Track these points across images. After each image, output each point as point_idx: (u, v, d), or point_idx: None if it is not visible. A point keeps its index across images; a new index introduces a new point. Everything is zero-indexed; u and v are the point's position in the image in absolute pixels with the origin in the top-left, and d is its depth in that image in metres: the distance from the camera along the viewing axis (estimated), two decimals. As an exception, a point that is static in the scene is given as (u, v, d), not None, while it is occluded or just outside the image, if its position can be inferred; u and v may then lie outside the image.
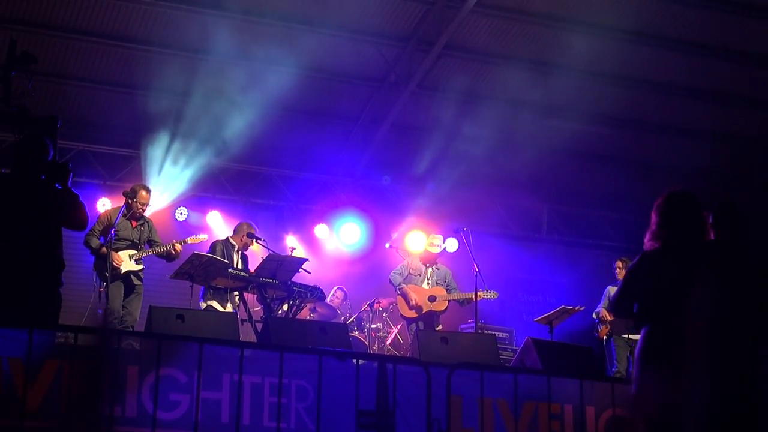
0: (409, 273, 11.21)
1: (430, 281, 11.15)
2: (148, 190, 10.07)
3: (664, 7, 12.35)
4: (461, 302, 11.09)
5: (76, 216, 6.47)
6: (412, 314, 10.97)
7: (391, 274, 11.34)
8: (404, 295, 11.02)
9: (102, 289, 9.35)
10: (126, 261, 9.58)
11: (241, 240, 10.42)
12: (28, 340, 5.23)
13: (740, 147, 14.88)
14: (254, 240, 10.46)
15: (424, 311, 10.91)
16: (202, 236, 10.54)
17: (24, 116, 6.96)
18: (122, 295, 9.52)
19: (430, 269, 11.24)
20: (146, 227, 9.97)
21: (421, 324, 10.87)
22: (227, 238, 10.51)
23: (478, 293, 10.63)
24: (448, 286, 11.14)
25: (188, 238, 10.29)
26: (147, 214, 10.20)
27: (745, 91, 13.88)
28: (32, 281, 6.15)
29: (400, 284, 11.12)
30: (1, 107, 6.93)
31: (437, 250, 11.30)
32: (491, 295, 10.87)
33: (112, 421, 5.49)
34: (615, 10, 12.30)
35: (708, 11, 12.44)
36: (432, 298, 10.94)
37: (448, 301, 10.99)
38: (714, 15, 12.51)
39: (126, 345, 6.40)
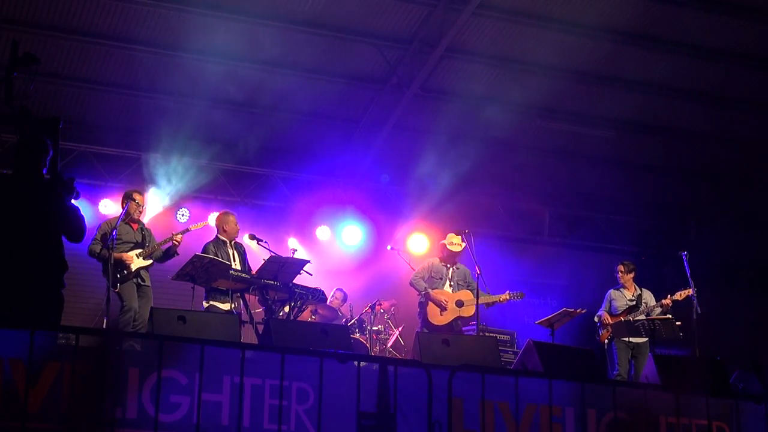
0: (431, 276, 10.63)
1: (452, 282, 10.60)
2: (141, 193, 10.40)
3: (667, 10, 12.36)
4: (486, 305, 10.55)
5: (74, 229, 6.48)
6: (442, 321, 10.37)
7: (413, 278, 10.66)
8: (433, 300, 10.42)
9: (116, 290, 9.47)
10: (135, 259, 9.75)
11: (225, 231, 10.39)
12: (30, 341, 5.24)
13: (742, 149, 14.87)
14: (256, 241, 10.45)
15: (453, 318, 10.41)
16: (203, 222, 10.83)
17: (26, 117, 6.96)
18: (137, 294, 9.67)
19: (450, 270, 10.68)
20: (146, 231, 10.15)
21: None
22: (216, 236, 10.44)
23: (504, 296, 10.51)
24: (468, 285, 10.56)
25: (191, 226, 10.49)
26: (146, 216, 10.35)
27: (746, 94, 13.89)
28: (34, 282, 6.15)
29: (426, 289, 10.49)
30: (4, 108, 6.93)
31: (459, 248, 10.63)
32: (518, 296, 10.61)
33: (113, 423, 5.48)
34: (617, 13, 12.31)
35: (709, 14, 12.45)
36: (459, 303, 10.44)
37: (476, 305, 10.35)
38: (716, 17, 12.53)
39: (127, 346, 6.40)
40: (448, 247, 10.70)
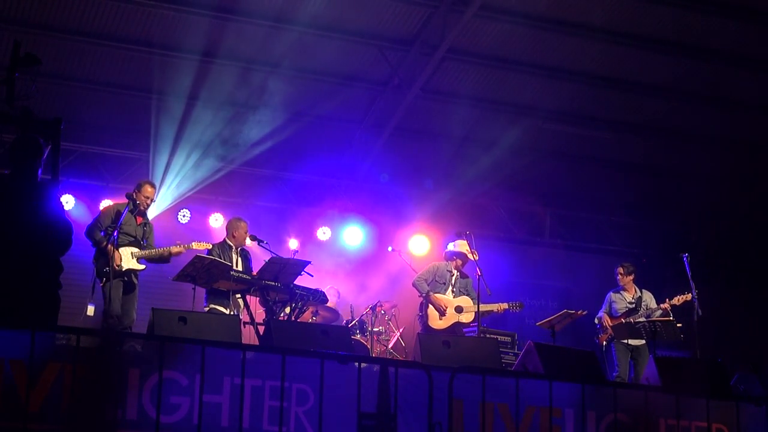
0: (435, 280, 10.61)
1: (454, 289, 10.61)
2: (153, 185, 10.22)
3: (667, 12, 12.35)
4: (482, 314, 10.49)
5: (57, 244, 6.48)
6: (442, 326, 10.40)
7: (416, 279, 10.69)
8: (434, 304, 10.46)
9: (101, 285, 9.33)
10: (128, 258, 9.57)
11: (234, 237, 10.39)
12: (30, 341, 5.24)
13: (743, 152, 14.86)
14: (257, 242, 10.45)
15: (451, 323, 10.44)
16: (207, 244, 10.37)
17: (27, 118, 6.96)
18: (120, 295, 9.49)
19: (454, 276, 10.65)
20: (148, 227, 10.01)
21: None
22: (224, 240, 10.47)
23: (503, 305, 10.57)
24: (468, 294, 10.59)
25: (193, 243, 10.18)
26: (150, 213, 10.26)
27: (747, 95, 13.88)
28: (29, 283, 6.16)
29: (428, 292, 10.51)
30: (5, 109, 6.94)
31: (475, 257, 10.42)
32: (517, 306, 10.69)
33: (113, 424, 5.49)
34: (619, 15, 12.31)
35: (710, 15, 12.45)
36: (459, 309, 10.47)
37: (475, 312, 10.37)
38: (718, 21, 12.52)
39: (128, 347, 6.40)
40: (468, 255, 10.56)
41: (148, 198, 9.94)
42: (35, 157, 6.51)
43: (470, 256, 10.52)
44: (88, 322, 9.37)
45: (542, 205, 15.36)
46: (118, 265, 9.41)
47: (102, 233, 9.48)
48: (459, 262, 10.73)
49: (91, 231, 9.55)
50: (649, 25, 12.50)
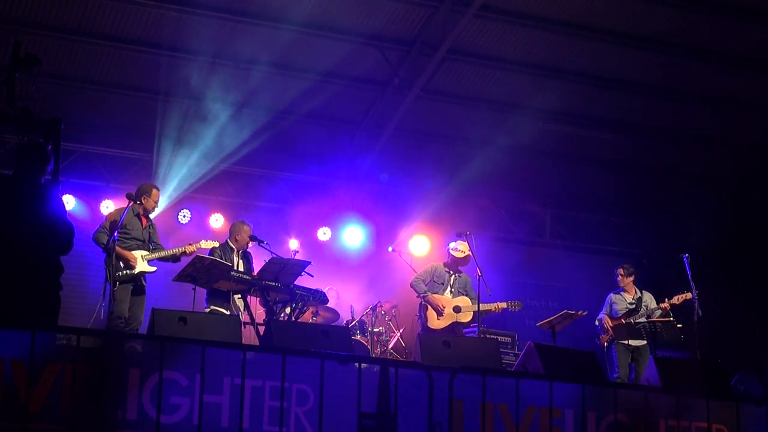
0: (432, 280, 10.64)
1: (452, 289, 10.61)
2: (159, 189, 10.34)
3: (669, 13, 12.35)
4: (482, 313, 10.48)
5: (59, 244, 6.47)
6: (440, 325, 10.42)
7: (414, 280, 10.71)
8: (431, 304, 10.47)
9: (116, 288, 9.40)
10: (140, 261, 9.71)
11: (237, 240, 10.41)
12: (31, 342, 5.25)
13: (744, 153, 14.86)
14: (257, 242, 10.45)
15: (450, 323, 10.44)
16: (215, 243, 10.50)
17: (28, 118, 6.96)
18: (129, 298, 9.60)
19: (452, 277, 10.68)
20: (152, 228, 10.11)
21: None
22: (226, 241, 10.50)
23: (501, 304, 10.57)
24: (467, 294, 10.58)
25: (202, 242, 10.30)
26: (151, 213, 10.34)
27: (748, 96, 13.87)
28: (30, 284, 6.16)
29: (425, 292, 10.54)
30: (5, 109, 6.94)
31: (461, 255, 10.55)
32: (515, 305, 10.68)
33: (113, 424, 5.49)
34: (619, 15, 12.31)
35: (710, 16, 12.44)
36: (457, 309, 10.46)
37: (473, 312, 10.38)
38: (720, 21, 12.52)
39: (128, 347, 6.40)
40: (451, 252, 10.69)
41: (156, 203, 10.11)
42: (41, 162, 6.53)
43: (453, 253, 10.59)
44: (98, 323, 9.45)
45: (542, 205, 15.36)
46: (132, 267, 9.56)
47: (108, 238, 9.54)
48: (446, 260, 10.77)
49: (98, 236, 9.66)
50: (649, 25, 12.49)
